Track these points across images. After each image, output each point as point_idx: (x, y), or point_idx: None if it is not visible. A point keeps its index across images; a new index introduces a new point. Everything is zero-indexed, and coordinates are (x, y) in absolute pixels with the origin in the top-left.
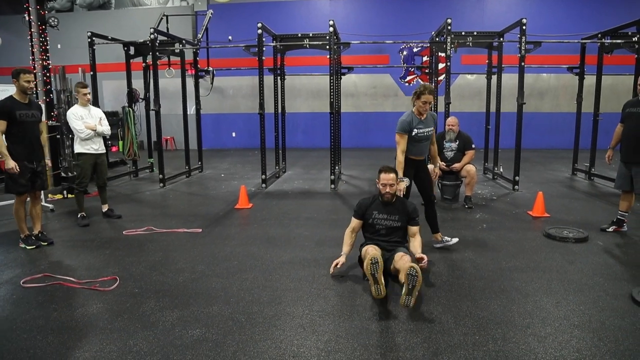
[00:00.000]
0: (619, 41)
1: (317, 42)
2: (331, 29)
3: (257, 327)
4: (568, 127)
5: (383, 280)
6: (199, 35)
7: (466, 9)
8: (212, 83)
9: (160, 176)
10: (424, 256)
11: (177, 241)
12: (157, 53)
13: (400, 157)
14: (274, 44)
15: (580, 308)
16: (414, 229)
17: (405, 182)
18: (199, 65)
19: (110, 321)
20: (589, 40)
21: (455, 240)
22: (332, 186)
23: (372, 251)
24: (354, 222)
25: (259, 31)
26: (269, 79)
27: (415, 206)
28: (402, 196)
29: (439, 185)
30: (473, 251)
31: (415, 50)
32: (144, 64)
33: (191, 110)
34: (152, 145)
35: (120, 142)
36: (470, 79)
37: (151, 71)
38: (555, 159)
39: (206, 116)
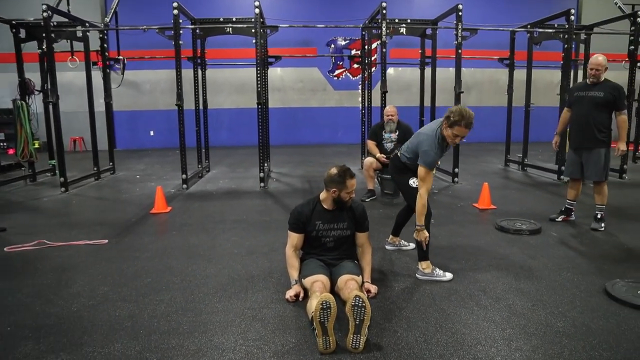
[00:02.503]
0: (550, 30)
1: (242, 25)
2: (257, 10)
3: None
4: (494, 120)
5: (332, 330)
6: (107, 19)
7: (394, 3)
8: (123, 73)
9: (62, 179)
10: (372, 288)
11: (76, 257)
12: (54, 35)
13: (426, 200)
14: (192, 26)
15: (559, 310)
16: (362, 236)
17: (416, 182)
18: (107, 54)
19: None
20: (522, 29)
21: (412, 245)
22: (262, 184)
23: (320, 288)
24: (294, 238)
25: (175, 11)
26: (188, 73)
27: (363, 207)
28: (424, 249)
29: (379, 179)
30: None
31: (343, 43)
32: (39, 51)
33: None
34: (53, 145)
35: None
36: (392, 74)
37: (47, 56)
38: (485, 152)
39: (120, 113)
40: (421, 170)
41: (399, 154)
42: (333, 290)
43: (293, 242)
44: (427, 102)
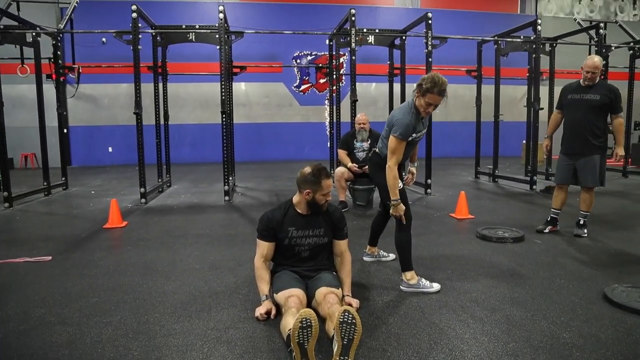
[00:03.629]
0: (517, 40)
1: (205, 31)
2: (221, 15)
3: None
4: (460, 136)
5: (313, 353)
6: (61, 25)
7: (359, 17)
8: (78, 82)
9: (5, 194)
10: (354, 302)
11: (12, 275)
12: (2, 39)
13: (396, 171)
14: (152, 31)
15: (562, 319)
16: (342, 244)
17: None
18: (60, 62)
19: None
20: (490, 39)
21: (392, 256)
22: (227, 198)
23: (295, 303)
24: (264, 247)
25: (134, 14)
26: (149, 87)
27: (341, 211)
28: (403, 222)
29: (351, 190)
30: None
31: (309, 58)
32: None
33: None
34: None
35: None
36: (358, 90)
37: None
38: (452, 166)
39: (76, 129)
40: (392, 141)
41: (377, 151)
42: (310, 305)
43: (263, 252)
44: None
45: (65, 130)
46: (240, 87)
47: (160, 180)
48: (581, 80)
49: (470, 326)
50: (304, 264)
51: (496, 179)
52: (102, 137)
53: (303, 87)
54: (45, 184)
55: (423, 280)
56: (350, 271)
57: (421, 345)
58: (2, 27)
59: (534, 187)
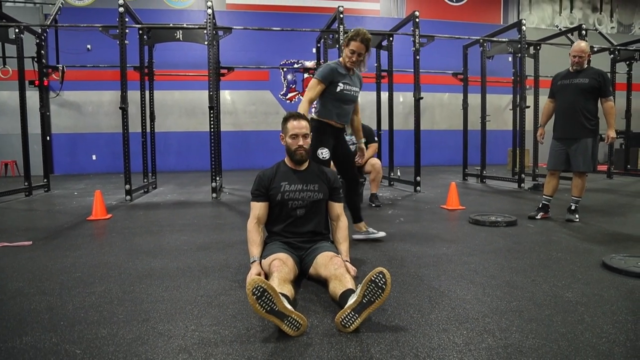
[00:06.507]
0: (503, 40)
1: (193, 27)
2: (209, 11)
3: None
4: (446, 143)
5: (290, 307)
6: (47, 22)
7: (346, 25)
8: (62, 82)
9: None
10: (352, 269)
11: None
12: None
13: (306, 106)
14: (139, 25)
15: (563, 283)
16: (337, 206)
17: (324, 154)
18: (44, 61)
19: None
20: (479, 38)
21: (382, 234)
22: (214, 195)
23: (278, 266)
24: (257, 208)
25: (121, 9)
26: (135, 95)
27: (335, 173)
28: None
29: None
30: (402, 241)
31: (296, 65)
32: None
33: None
34: None
35: None
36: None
37: None
38: (439, 172)
39: (59, 136)
40: (311, 81)
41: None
42: (306, 273)
43: (255, 214)
44: (384, 123)
45: (48, 138)
46: (227, 95)
47: (146, 180)
48: (570, 67)
49: (471, 290)
50: (299, 227)
51: (484, 180)
52: (86, 145)
53: (290, 95)
54: (26, 183)
55: (371, 228)
56: (348, 236)
57: (422, 305)
58: None
59: (522, 184)
